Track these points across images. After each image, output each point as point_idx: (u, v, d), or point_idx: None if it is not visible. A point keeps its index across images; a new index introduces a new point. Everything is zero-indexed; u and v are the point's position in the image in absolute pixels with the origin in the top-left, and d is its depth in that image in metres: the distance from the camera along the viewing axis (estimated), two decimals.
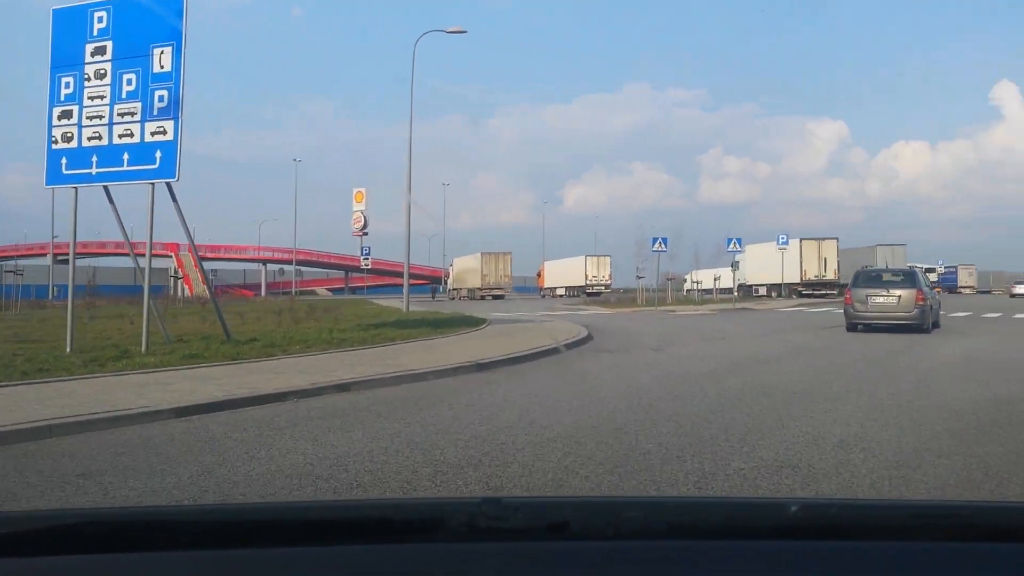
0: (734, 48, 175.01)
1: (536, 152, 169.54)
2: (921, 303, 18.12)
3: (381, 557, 1.22)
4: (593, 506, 1.68)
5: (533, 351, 13.02)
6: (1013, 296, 61.61)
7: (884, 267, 28.77)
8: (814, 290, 51.75)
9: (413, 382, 9.88)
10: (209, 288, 14.11)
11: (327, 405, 8.22)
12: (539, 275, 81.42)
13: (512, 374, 10.84)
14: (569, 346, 14.50)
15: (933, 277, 79.92)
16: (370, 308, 31.99)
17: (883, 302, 18.30)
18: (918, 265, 75.24)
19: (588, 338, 16.48)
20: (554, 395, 8.92)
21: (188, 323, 18.74)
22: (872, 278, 19.42)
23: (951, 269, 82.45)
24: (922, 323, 18.11)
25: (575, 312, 34.30)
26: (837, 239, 53.47)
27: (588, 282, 67.51)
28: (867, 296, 18.53)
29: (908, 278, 19.13)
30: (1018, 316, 29.02)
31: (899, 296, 18.25)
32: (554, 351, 13.54)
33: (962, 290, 78.62)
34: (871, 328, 18.38)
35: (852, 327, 18.77)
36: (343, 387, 9.12)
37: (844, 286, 55.31)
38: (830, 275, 52.47)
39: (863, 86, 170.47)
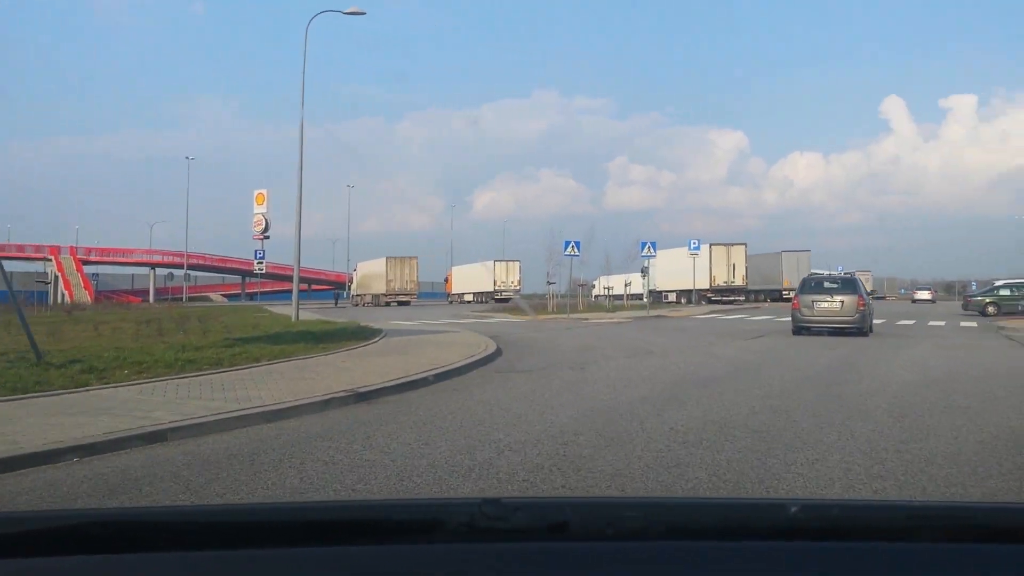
0: (639, 58, 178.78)
1: (446, 157, 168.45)
2: (862, 308, 19.36)
3: (381, 557, 1.22)
4: (593, 507, 1.67)
5: (430, 373, 10.62)
6: (915, 301, 62.83)
7: (828, 274, 29.81)
8: (723, 296, 51.12)
9: (263, 423, 7.34)
10: (12, 297, 11.04)
11: (120, 468, 5.65)
12: (447, 280, 78.99)
13: (400, 408, 8.42)
14: (475, 364, 12.16)
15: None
16: (255, 317, 28.82)
17: (828, 307, 19.42)
18: (820, 271, 76.91)
19: (496, 353, 14.18)
20: (450, 442, 6.55)
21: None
22: (817, 285, 20.66)
23: (849, 275, 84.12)
24: (862, 327, 19.37)
25: (483, 319, 32.03)
26: (745, 245, 53.04)
27: (497, 288, 65.74)
28: (813, 302, 19.61)
29: (850, 285, 20.42)
30: (933, 323, 28.42)
31: (842, 301, 19.35)
32: (456, 372, 11.18)
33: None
34: (817, 331, 19.55)
35: (799, 331, 19.85)
36: (156, 436, 6.51)
37: (752, 292, 55.39)
38: (738, 281, 51.95)
39: (762, 98, 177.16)
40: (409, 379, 9.97)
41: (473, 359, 12.49)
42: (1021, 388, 10.11)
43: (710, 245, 51.01)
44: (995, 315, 33.69)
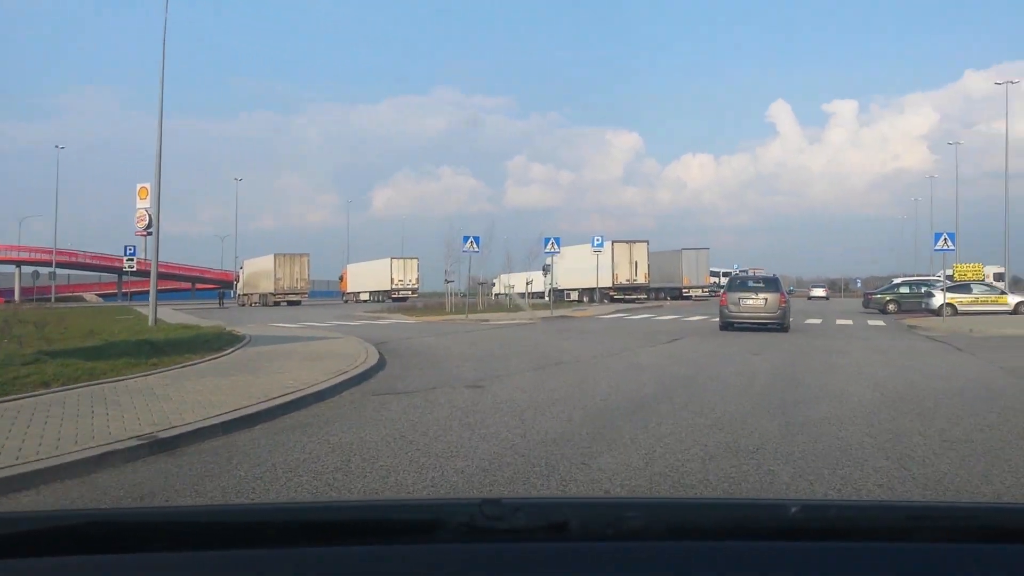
0: (539, 58, 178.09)
1: (345, 152, 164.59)
2: (783, 305, 20.53)
3: (381, 558, 1.22)
4: (593, 507, 1.67)
5: (279, 400, 8.00)
6: (810, 299, 63.28)
7: (752, 274, 29.91)
8: (626, 294, 49.79)
9: None
10: None
11: None
12: (342, 279, 75.30)
13: (213, 462, 5.77)
14: (345, 385, 9.57)
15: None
16: (112, 320, 25.17)
17: (753, 304, 20.47)
18: (717, 269, 77.49)
19: (378, 367, 11.61)
20: None
21: None
22: (743, 284, 22.08)
23: (744, 273, 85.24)
24: (783, 323, 20.46)
25: (375, 321, 29.34)
26: (647, 242, 51.86)
27: (394, 286, 62.79)
28: (739, 299, 20.68)
29: (772, 284, 21.64)
30: (841, 322, 27.48)
31: (766, 299, 20.44)
32: (315, 398, 8.58)
33: None
34: (740, 327, 20.42)
35: (726, 326, 20.83)
36: None
37: (654, 290, 54.42)
38: (641, 279, 50.68)
39: (656, 101, 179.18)
40: (245, 412, 7.31)
41: (344, 377, 9.89)
42: (1006, 409, 8.34)
43: (613, 242, 49.57)
44: (895, 312, 33.72)
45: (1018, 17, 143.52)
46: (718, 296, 29.25)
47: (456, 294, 40.24)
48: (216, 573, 1.19)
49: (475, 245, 28.74)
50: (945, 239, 24.58)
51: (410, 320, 31.09)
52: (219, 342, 14.58)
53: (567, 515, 1.29)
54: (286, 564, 1.20)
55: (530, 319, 28.34)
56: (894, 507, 1.90)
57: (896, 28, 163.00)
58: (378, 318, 32.76)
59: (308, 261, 61.38)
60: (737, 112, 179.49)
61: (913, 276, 47.44)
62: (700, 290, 57.41)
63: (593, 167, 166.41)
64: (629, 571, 1.17)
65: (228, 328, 19.19)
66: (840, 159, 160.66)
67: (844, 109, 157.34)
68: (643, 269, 50.78)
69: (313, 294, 71.54)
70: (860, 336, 19.99)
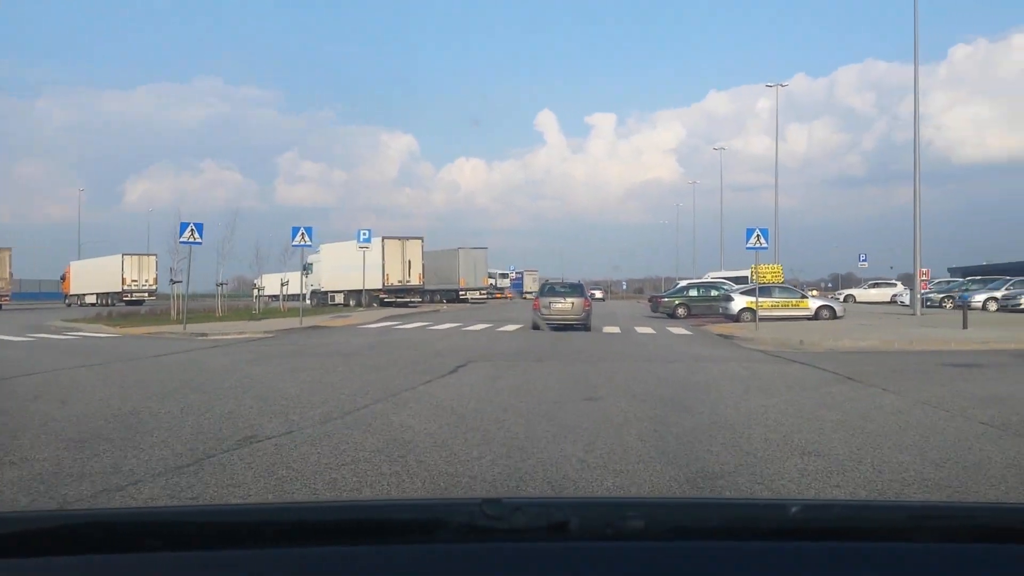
0: (309, 53, 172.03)
1: (93, 141, 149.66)
2: (587, 308, 22.60)
3: (382, 557, 1.20)
4: (593, 506, 1.66)
5: None
6: (594, 300, 62.73)
7: (561, 280, 30.32)
8: (398, 297, 43.80)
9: None
10: None
11: None
12: (64, 279, 62.81)
13: None
14: None
15: (506, 283, 79.84)
16: None
17: (561, 307, 22.30)
18: (494, 270, 74.24)
19: None
20: None
21: None
22: (552, 289, 23.84)
23: (519, 275, 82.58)
24: (587, 323, 22.39)
25: (56, 335, 21.31)
26: (422, 239, 46.12)
27: (127, 287, 52.99)
28: (550, 303, 22.42)
29: (578, 289, 23.70)
30: (642, 330, 23.55)
31: (572, 303, 22.35)
32: None
33: (528, 296, 78.79)
34: (553, 327, 21.66)
35: (536, 326, 22.25)
36: None
37: (429, 292, 49.10)
38: (415, 280, 44.71)
39: (431, 104, 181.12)
40: None
41: None
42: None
43: (383, 239, 43.49)
44: (685, 316, 31.32)
45: (755, 44, 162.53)
46: (499, 298, 29.91)
47: (225, 296, 32.84)
48: (216, 573, 1.16)
49: (196, 235, 21.52)
50: (758, 236, 21.39)
51: (107, 332, 23.26)
52: None
53: (567, 515, 1.27)
54: (286, 564, 1.18)
55: (265, 333, 21.60)
56: (894, 507, 1.90)
57: (649, 46, 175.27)
58: (66, 329, 24.50)
59: (10, 257, 49.82)
60: (508, 119, 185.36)
61: (690, 279, 45.80)
62: (478, 292, 53.07)
63: (368, 167, 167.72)
64: (629, 571, 1.15)
65: None
66: (600, 168, 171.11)
67: (604, 122, 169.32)
68: (417, 269, 44.96)
69: (22, 296, 59.24)
70: (692, 354, 15.49)
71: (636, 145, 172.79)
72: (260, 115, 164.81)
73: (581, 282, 26.61)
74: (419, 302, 45.31)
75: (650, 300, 39.18)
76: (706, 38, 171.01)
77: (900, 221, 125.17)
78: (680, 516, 1.42)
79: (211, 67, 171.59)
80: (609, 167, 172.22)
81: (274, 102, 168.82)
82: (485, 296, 56.85)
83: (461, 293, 51.63)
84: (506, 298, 73.12)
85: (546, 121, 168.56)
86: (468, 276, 52.32)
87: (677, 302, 33.04)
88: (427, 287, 47.73)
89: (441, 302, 49.36)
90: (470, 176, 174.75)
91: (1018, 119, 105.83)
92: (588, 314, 22.35)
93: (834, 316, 26.86)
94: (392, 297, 43.35)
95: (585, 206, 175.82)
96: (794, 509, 1.36)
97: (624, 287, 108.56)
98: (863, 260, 50.14)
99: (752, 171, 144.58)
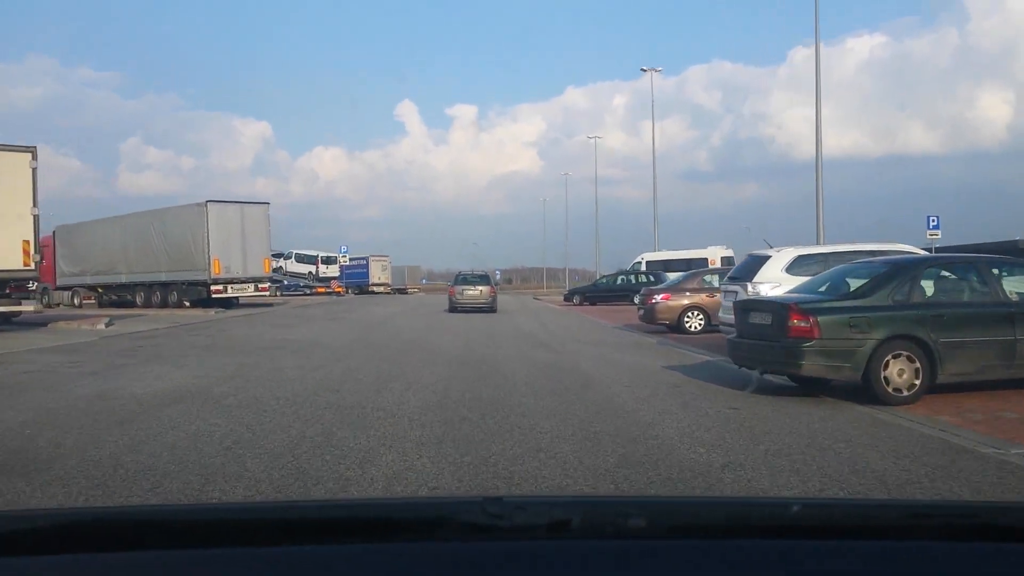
0: (147, 33, 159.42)
1: None
2: (493, 294, 27.56)
3: (383, 556, 1.16)
4: (595, 505, 1.63)
5: None
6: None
7: (471, 271, 29.56)
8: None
9: None
10: None
11: None
12: None
13: None
14: None
15: (331, 271, 56.77)
16: None
17: (472, 293, 27.04)
18: (311, 250, 55.88)
19: None
20: None
21: None
22: (464, 279, 28.27)
23: (359, 262, 55.44)
24: (493, 306, 26.90)
25: None
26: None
27: None
28: (463, 290, 27.23)
29: (485, 279, 28.48)
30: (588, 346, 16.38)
31: (480, 290, 27.17)
32: None
33: (375, 288, 55.34)
34: (465, 310, 26.31)
35: (453, 309, 26.53)
36: None
37: (131, 287, 26.57)
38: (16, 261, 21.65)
39: (287, 92, 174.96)
40: None
41: None
42: None
43: None
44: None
45: (611, 41, 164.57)
46: (321, 292, 40.37)
47: None
48: (216, 572, 1.12)
49: None
50: None
51: None
52: None
53: (569, 513, 1.25)
54: (287, 563, 1.14)
55: None
56: (895, 505, 1.89)
57: (510, 39, 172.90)
58: None
59: None
60: (368, 109, 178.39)
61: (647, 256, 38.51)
62: (250, 287, 29.28)
63: (220, 154, 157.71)
64: (631, 570, 1.12)
65: None
66: (462, 159, 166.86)
67: (465, 113, 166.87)
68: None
69: None
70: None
71: (497, 137, 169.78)
72: (99, 98, 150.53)
73: (487, 273, 31.10)
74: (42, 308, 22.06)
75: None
76: (563, 33, 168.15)
77: (747, 214, 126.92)
78: (681, 515, 1.40)
79: (45, 45, 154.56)
80: (471, 159, 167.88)
81: (113, 84, 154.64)
82: (273, 291, 35.14)
83: (215, 286, 28.34)
84: (334, 293, 50.33)
85: (407, 111, 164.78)
86: (228, 254, 28.99)
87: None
88: (133, 274, 25.43)
89: (166, 304, 26.50)
90: (330, 166, 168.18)
91: (850, 119, 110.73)
92: (494, 299, 27.40)
93: None
94: None
95: (447, 197, 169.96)
96: (795, 508, 1.37)
97: (499, 276, 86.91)
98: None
99: (610, 165, 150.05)
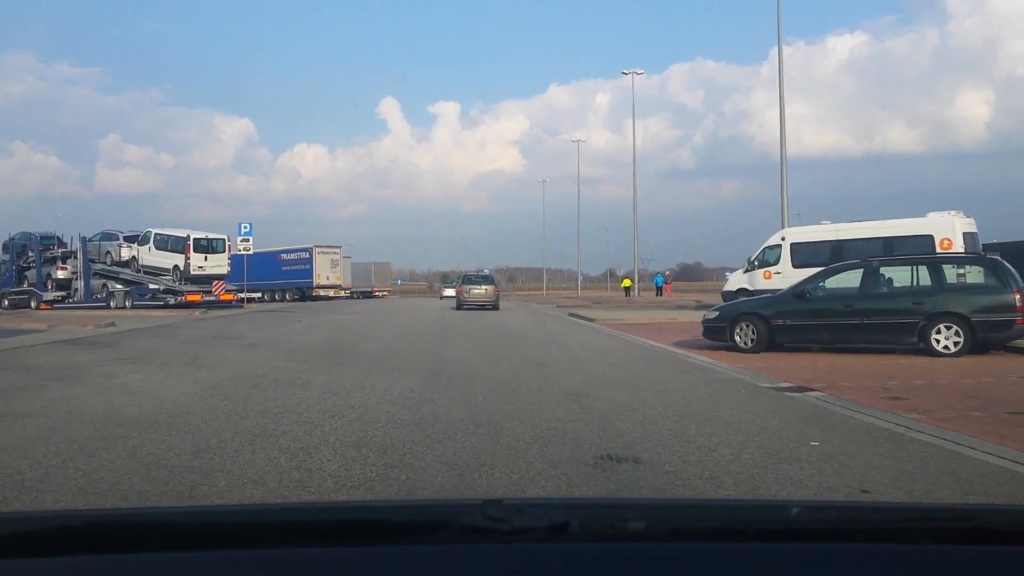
0: (130, 28, 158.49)
1: None
2: (496, 293, 30.55)
3: (382, 558, 1.15)
4: (594, 507, 1.62)
5: None
6: (443, 298, 45.52)
7: (476, 272, 34.65)
8: None
9: None
10: None
11: None
12: None
13: None
14: None
15: (220, 265, 46.44)
16: None
17: (478, 292, 29.92)
18: (194, 232, 48.48)
19: None
20: None
21: None
22: (470, 279, 32.28)
23: (298, 255, 43.77)
24: (496, 304, 29.60)
25: None
26: None
27: None
28: (470, 289, 30.08)
29: (489, 279, 32.56)
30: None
31: (485, 289, 30.12)
32: None
33: (322, 292, 44.00)
34: (471, 307, 29.08)
35: (460, 306, 29.48)
36: None
37: None
38: None
39: (269, 89, 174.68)
40: None
41: None
42: None
43: None
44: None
45: (595, 38, 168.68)
46: (191, 301, 27.73)
47: None
48: (216, 573, 1.12)
49: None
50: None
51: None
52: None
53: (568, 516, 1.21)
54: (286, 565, 1.13)
55: None
56: (895, 508, 1.91)
57: (494, 36, 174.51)
58: None
59: None
60: (350, 106, 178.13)
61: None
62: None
63: (201, 151, 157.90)
64: (630, 572, 1.11)
65: None
66: (445, 157, 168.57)
67: (448, 111, 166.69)
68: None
69: None
70: None
71: (480, 136, 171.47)
72: (77, 94, 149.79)
73: (491, 273, 36.99)
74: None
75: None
76: (547, 30, 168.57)
77: (733, 212, 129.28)
78: (681, 517, 1.39)
79: (22, 41, 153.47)
80: (455, 157, 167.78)
81: (93, 80, 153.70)
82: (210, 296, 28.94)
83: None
84: (216, 302, 30.54)
85: (389, 109, 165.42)
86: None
87: None
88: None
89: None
90: (312, 164, 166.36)
91: (830, 118, 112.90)
92: (497, 297, 30.27)
93: None
94: None
95: (430, 195, 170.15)
96: (794, 510, 1.36)
97: (488, 271, 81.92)
98: None
99: (591, 164, 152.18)
